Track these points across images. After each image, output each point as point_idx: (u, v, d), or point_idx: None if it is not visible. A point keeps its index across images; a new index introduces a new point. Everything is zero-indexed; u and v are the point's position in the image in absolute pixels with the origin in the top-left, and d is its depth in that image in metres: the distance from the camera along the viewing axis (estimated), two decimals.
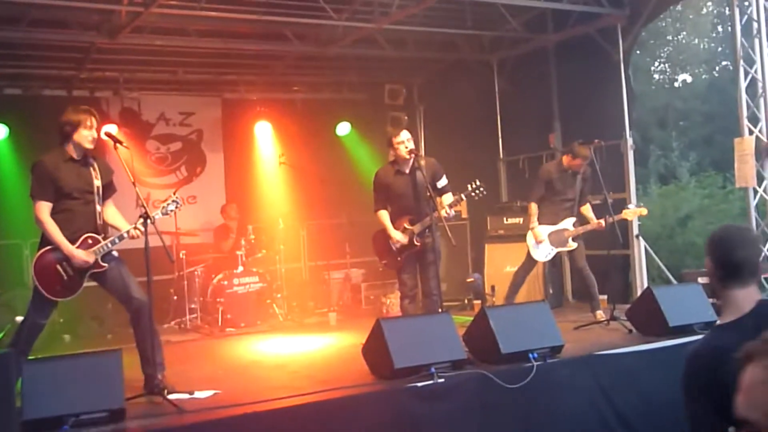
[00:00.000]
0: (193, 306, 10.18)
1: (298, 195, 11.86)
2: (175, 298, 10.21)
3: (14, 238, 10.06)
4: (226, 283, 9.96)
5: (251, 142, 12.03)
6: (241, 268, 10.10)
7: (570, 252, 8.58)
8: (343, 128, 12.47)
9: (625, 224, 9.44)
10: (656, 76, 24.83)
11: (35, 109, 10.14)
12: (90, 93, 10.77)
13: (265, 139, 12.06)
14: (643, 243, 9.58)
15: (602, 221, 8.33)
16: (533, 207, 8.63)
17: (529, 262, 8.71)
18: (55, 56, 10.06)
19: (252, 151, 12.07)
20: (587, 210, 8.70)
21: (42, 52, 9.79)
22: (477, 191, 7.22)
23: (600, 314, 8.26)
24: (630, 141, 9.65)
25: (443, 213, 7.08)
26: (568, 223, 8.54)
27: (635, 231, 9.62)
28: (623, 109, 9.66)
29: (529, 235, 8.63)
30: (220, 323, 9.79)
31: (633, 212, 8.46)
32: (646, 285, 9.33)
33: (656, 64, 24.76)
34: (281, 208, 11.39)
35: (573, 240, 8.47)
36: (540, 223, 8.57)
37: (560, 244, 8.52)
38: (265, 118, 11.93)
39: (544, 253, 8.58)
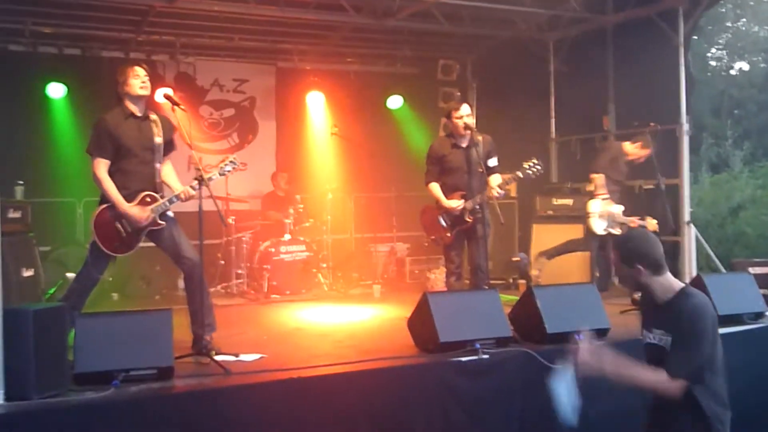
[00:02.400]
0: (239, 271, 10.30)
1: (347, 166, 11.93)
2: (222, 262, 10.33)
3: (69, 196, 10.24)
4: (273, 250, 10.06)
5: (303, 112, 12.08)
6: (288, 237, 10.19)
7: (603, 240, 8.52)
8: (395, 102, 12.44)
9: (677, 210, 9.36)
10: (713, 62, 24.43)
11: (93, 69, 10.32)
12: (147, 56, 10.85)
13: (317, 109, 12.10)
14: (694, 230, 9.47)
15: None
16: (598, 179, 8.57)
17: (586, 238, 8.70)
18: (113, 18, 10.13)
19: (304, 120, 12.12)
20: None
21: (101, 13, 9.86)
22: (534, 169, 7.18)
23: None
24: (686, 127, 9.51)
25: (494, 193, 7.08)
26: (618, 209, 8.49)
27: (686, 218, 9.49)
28: (679, 95, 9.51)
29: (596, 204, 8.54)
30: (265, 289, 9.90)
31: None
32: (695, 272, 9.24)
33: (713, 50, 24.35)
34: (330, 178, 11.44)
35: (620, 227, 8.43)
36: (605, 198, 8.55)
37: (611, 226, 8.47)
38: (317, 89, 11.97)
39: (602, 226, 8.53)
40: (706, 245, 9.66)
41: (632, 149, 8.56)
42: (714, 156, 19.85)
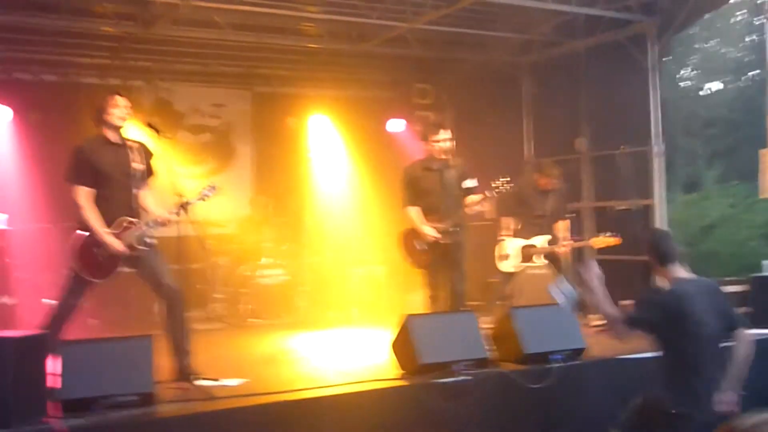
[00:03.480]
0: (217, 296, 10.31)
1: (324, 189, 11.98)
2: (199, 287, 10.33)
3: (47, 222, 10.19)
4: (250, 274, 10.09)
5: (280, 136, 12.13)
6: (265, 260, 10.22)
7: (554, 264, 8.61)
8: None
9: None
10: (683, 83, 24.73)
11: (70, 95, 10.31)
12: (123, 81, 10.88)
13: (293, 133, 12.16)
14: None
15: (563, 245, 8.45)
16: (503, 221, 8.78)
17: (501, 274, 8.80)
18: (90, 44, 10.20)
19: (280, 144, 12.15)
20: (558, 228, 8.71)
21: (78, 40, 9.92)
22: (504, 187, 7.25)
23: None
24: (655, 148, 9.66)
25: (469, 209, 7.19)
26: (538, 241, 8.60)
27: None
28: (650, 116, 9.68)
29: (496, 248, 8.76)
30: (243, 314, 9.91)
31: (602, 241, 8.36)
32: None
33: (684, 71, 24.67)
34: (308, 202, 11.49)
35: (545, 258, 8.54)
36: (518, 236, 8.68)
37: (527, 260, 8.61)
38: (293, 113, 12.03)
39: (510, 264, 8.66)
40: None
41: (538, 177, 8.72)
42: (686, 176, 20.11)
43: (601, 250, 9.40)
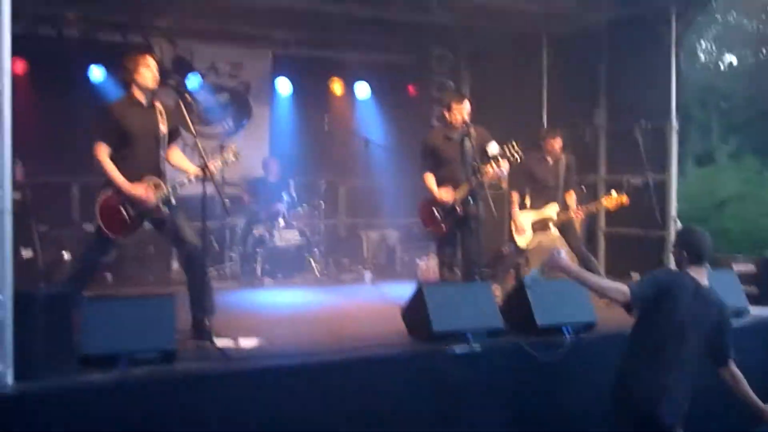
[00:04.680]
0: (232, 255, 10.46)
1: (340, 153, 12.04)
2: (216, 246, 10.47)
3: (63, 177, 10.31)
4: (266, 235, 10.21)
5: (298, 98, 12.16)
6: (281, 221, 10.34)
7: (564, 235, 8.68)
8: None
9: (663, 206, 9.54)
10: (702, 55, 24.60)
11: (91, 52, 10.40)
12: (144, 40, 10.93)
13: (310, 97, 12.18)
14: (679, 225, 9.66)
15: (579, 210, 8.53)
16: (514, 195, 8.81)
17: (516, 248, 8.86)
18: (112, 1, 10.22)
19: (298, 107, 12.20)
20: (570, 197, 8.78)
21: None
22: (514, 152, 7.32)
23: None
24: (675, 124, 9.69)
25: (492, 171, 7.23)
26: (551, 210, 8.66)
27: (673, 213, 9.69)
28: (670, 91, 9.68)
29: (511, 223, 8.81)
30: (258, 273, 10.06)
31: (613, 200, 8.46)
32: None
33: (703, 43, 24.52)
34: (324, 165, 11.57)
35: (555, 228, 8.59)
36: (527, 209, 8.74)
37: (541, 230, 8.66)
38: (312, 76, 12.03)
39: (525, 239, 8.72)
40: None
41: (544, 145, 8.76)
42: (700, 148, 20.06)
43: (613, 222, 9.48)
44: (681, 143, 9.92)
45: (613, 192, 8.57)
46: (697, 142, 20.12)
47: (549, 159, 8.73)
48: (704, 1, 9.91)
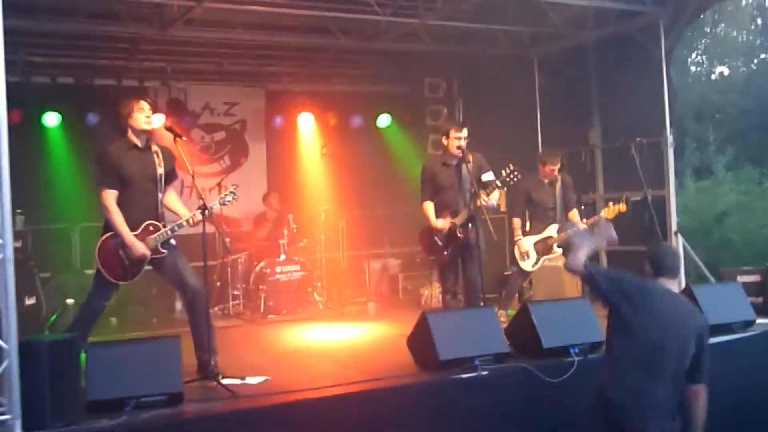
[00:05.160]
0: (236, 292, 10.46)
1: (338, 185, 12.07)
2: (219, 284, 10.47)
3: (64, 223, 10.33)
4: (268, 270, 10.21)
5: (293, 133, 12.21)
6: (283, 257, 10.35)
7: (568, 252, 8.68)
8: (383, 120, 12.59)
9: (664, 220, 9.55)
10: (693, 68, 24.70)
11: (86, 97, 10.46)
12: (139, 83, 11.01)
13: (307, 130, 12.24)
14: (681, 239, 9.66)
15: (584, 224, 8.54)
16: (516, 221, 8.82)
17: (521, 271, 8.86)
18: (106, 47, 10.30)
19: (294, 141, 12.26)
20: (574, 215, 8.81)
21: (94, 42, 10.03)
22: (512, 176, 7.37)
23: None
24: (670, 139, 9.72)
25: (483, 200, 7.27)
26: (553, 231, 8.68)
27: (674, 227, 9.69)
28: (663, 107, 9.72)
29: (515, 248, 8.80)
30: (262, 310, 10.05)
31: (612, 210, 8.49)
32: (683, 281, 9.43)
33: (693, 55, 24.63)
34: (322, 198, 11.60)
35: (558, 246, 8.61)
36: (528, 234, 8.74)
37: (546, 252, 8.67)
38: (307, 110, 12.10)
39: (531, 263, 8.72)
40: (693, 254, 9.86)
41: (540, 168, 8.79)
42: (697, 161, 20.06)
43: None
44: (678, 157, 9.97)
45: (611, 203, 8.60)
46: (694, 155, 20.12)
47: (546, 181, 8.75)
48: (692, 16, 9.93)
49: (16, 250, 7.96)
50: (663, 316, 4.61)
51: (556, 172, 8.72)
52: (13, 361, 4.61)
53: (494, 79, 11.78)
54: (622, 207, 8.49)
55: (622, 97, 10.19)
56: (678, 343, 4.58)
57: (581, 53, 10.83)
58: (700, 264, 9.91)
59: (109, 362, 5.25)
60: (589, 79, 10.85)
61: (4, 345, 4.66)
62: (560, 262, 8.77)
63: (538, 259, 8.66)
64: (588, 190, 10.61)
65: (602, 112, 10.80)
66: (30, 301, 8.11)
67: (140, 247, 6.05)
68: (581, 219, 8.75)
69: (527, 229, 8.80)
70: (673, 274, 4.85)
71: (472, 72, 12.42)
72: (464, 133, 7.57)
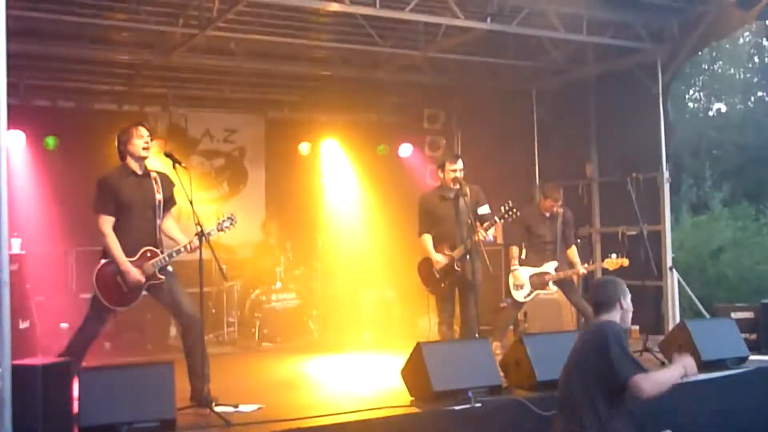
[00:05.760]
0: (231, 319, 10.44)
1: (336, 214, 12.10)
2: (214, 311, 10.45)
3: (59, 246, 10.32)
4: (264, 298, 10.22)
5: (292, 161, 12.27)
6: (279, 284, 10.34)
7: (562, 289, 8.71)
8: (382, 150, 12.63)
9: (659, 255, 9.57)
10: (691, 104, 24.85)
11: (86, 121, 10.49)
12: (139, 108, 11.08)
13: (307, 158, 12.29)
14: (676, 275, 9.69)
15: (583, 268, 8.56)
16: (513, 250, 8.82)
17: (514, 302, 8.86)
18: (107, 72, 10.39)
19: (293, 169, 12.30)
20: (572, 254, 8.80)
21: (95, 67, 10.12)
22: (510, 212, 7.41)
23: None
24: (666, 174, 9.78)
25: (480, 236, 7.30)
26: (550, 267, 8.68)
27: (669, 263, 9.72)
28: (660, 142, 9.79)
29: (510, 277, 8.80)
30: (257, 337, 10.03)
31: (614, 262, 8.49)
32: (678, 316, 9.45)
33: (691, 92, 24.80)
34: (320, 226, 11.62)
35: (554, 284, 8.62)
36: (524, 265, 8.75)
37: (541, 287, 8.67)
38: (306, 139, 12.16)
39: (524, 294, 8.72)
40: (688, 289, 9.88)
41: (541, 201, 8.84)
42: (694, 197, 20.13)
43: (610, 274, 9.48)
44: (675, 192, 10.01)
45: (614, 255, 8.59)
46: (691, 191, 20.21)
47: (546, 215, 8.77)
48: (690, 53, 10.04)
49: (11, 272, 8.06)
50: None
51: (556, 208, 8.75)
52: (6, 385, 4.59)
53: (493, 111, 11.85)
54: (625, 262, 8.48)
55: (620, 131, 10.28)
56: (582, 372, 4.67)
57: (580, 87, 10.92)
58: (695, 300, 9.94)
59: (103, 387, 5.23)
60: (588, 113, 10.93)
61: None
62: (556, 295, 8.81)
63: (531, 292, 8.67)
64: (584, 223, 10.64)
65: (600, 146, 10.87)
66: (24, 325, 8.06)
67: (135, 273, 6.05)
68: (580, 260, 8.74)
69: (523, 257, 8.81)
70: (607, 309, 4.84)
71: (472, 103, 12.49)
72: (459, 164, 7.59)
